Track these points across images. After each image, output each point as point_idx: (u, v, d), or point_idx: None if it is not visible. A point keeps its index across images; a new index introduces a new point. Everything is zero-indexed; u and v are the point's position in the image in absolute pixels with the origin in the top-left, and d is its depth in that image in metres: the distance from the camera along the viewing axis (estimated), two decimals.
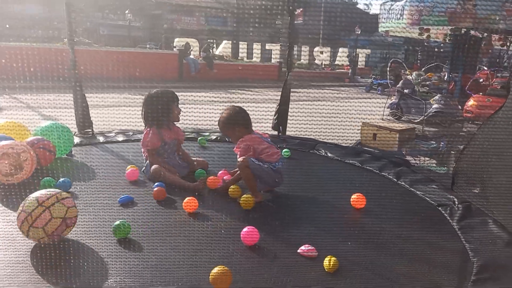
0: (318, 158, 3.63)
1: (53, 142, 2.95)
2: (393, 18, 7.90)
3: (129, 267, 1.72)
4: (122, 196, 2.37)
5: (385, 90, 12.22)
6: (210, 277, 1.60)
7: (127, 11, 18.07)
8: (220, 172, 2.83)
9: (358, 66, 21.21)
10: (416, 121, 7.56)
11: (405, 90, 8.31)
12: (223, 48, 17.00)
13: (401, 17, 7.50)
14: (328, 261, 1.77)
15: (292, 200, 2.58)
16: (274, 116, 4.38)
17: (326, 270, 1.76)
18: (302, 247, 1.90)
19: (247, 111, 2.71)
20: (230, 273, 1.61)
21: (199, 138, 3.85)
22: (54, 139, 3.00)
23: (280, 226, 2.18)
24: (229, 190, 2.54)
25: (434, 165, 4.69)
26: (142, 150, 2.90)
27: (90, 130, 3.96)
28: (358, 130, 5.65)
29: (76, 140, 3.63)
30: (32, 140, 2.83)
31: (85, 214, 2.09)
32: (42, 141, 2.87)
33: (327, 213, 2.42)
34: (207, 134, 4.08)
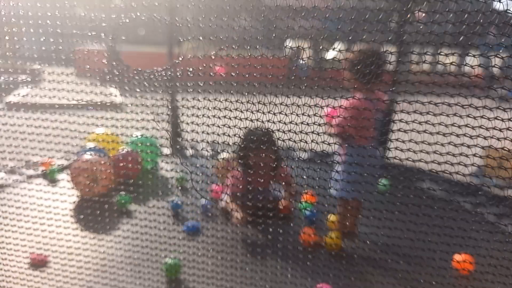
0: (420, 195, 3.06)
1: (141, 155, 3.02)
2: None
3: None
4: (190, 224, 2.26)
5: None
6: None
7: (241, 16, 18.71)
8: None
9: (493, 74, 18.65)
10: None
11: None
12: (334, 54, 16.46)
13: None
14: None
15: (374, 249, 2.16)
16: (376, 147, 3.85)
17: None
18: None
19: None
20: None
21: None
22: (143, 151, 3.07)
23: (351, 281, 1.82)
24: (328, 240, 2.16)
25: None
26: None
27: (180, 139, 4.00)
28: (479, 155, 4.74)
29: (166, 150, 3.69)
30: (120, 154, 2.93)
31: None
32: (129, 153, 2.95)
33: (417, 273, 1.96)
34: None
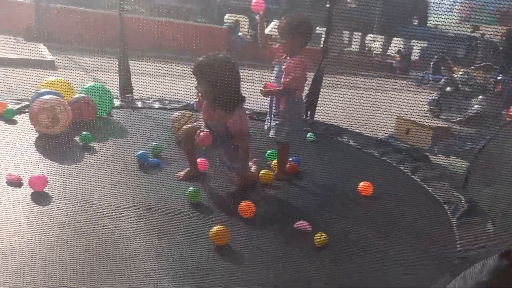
0: (339, 145, 3.73)
1: (95, 101, 3.26)
2: (443, 12, 7.57)
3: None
4: (152, 159, 2.62)
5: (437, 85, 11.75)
6: (210, 233, 1.81)
7: None
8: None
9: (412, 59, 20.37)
10: (454, 120, 7.37)
11: (447, 88, 8.08)
12: (272, 28, 16.89)
13: (452, 12, 7.20)
14: (319, 237, 1.93)
15: (303, 181, 2.74)
16: (304, 99, 4.45)
17: (316, 244, 1.92)
18: (298, 222, 2.07)
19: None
20: (227, 231, 1.82)
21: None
22: (96, 98, 3.31)
23: (285, 202, 2.38)
24: (261, 174, 2.52)
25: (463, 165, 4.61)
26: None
27: (130, 95, 4.26)
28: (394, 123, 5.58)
29: (117, 102, 3.94)
30: (76, 97, 3.15)
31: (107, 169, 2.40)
32: (85, 98, 3.18)
33: (332, 195, 2.57)
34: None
